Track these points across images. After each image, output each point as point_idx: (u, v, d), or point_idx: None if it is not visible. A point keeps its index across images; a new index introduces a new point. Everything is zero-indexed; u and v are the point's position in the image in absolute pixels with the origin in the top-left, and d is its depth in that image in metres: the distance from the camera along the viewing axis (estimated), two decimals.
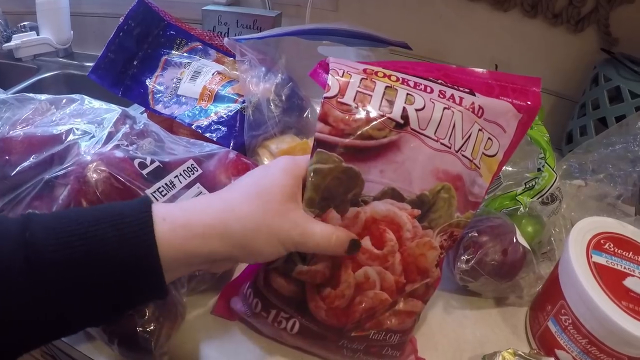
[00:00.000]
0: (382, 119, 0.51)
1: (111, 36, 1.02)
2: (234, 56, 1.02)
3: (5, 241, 0.42)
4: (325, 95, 0.52)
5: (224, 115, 0.90)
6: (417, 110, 0.52)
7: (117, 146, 0.65)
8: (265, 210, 0.49)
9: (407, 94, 0.53)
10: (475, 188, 0.57)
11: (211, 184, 0.69)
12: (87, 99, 0.75)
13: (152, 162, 0.65)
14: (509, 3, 1.10)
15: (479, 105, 0.55)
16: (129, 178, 0.61)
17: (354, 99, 0.51)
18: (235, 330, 0.68)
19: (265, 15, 1.17)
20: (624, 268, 0.64)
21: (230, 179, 0.72)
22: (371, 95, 0.52)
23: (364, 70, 0.54)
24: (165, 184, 0.64)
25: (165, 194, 0.63)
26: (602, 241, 0.68)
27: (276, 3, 1.24)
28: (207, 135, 0.88)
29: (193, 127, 0.89)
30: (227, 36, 1.16)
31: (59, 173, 0.61)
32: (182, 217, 0.47)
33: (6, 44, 1.47)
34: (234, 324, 0.69)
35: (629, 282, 0.62)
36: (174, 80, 0.98)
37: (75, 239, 0.43)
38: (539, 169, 0.82)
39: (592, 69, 1.08)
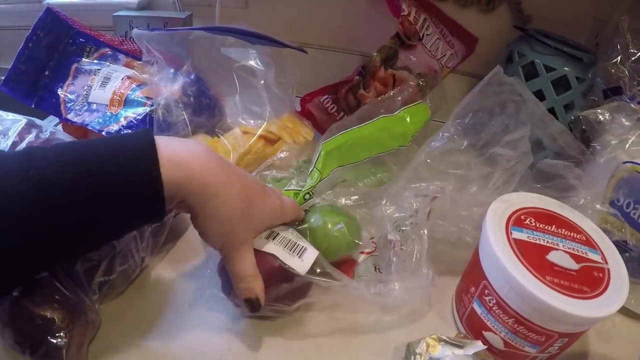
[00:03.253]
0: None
1: (20, 47, 1.01)
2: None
3: (9, 177, 0.46)
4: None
5: (133, 120, 0.90)
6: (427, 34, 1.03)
7: None
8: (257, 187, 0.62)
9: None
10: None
11: None
12: None
13: None
14: None
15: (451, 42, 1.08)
16: None
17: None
18: (155, 335, 0.68)
19: (176, 17, 1.17)
20: (547, 242, 0.63)
21: None
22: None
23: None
24: None
25: None
26: (522, 217, 0.66)
27: (187, 4, 1.24)
28: None
29: (103, 133, 0.89)
30: (131, 40, 1.15)
31: None
32: (184, 162, 0.53)
33: None
34: (151, 330, 0.68)
35: (552, 256, 0.61)
36: (85, 87, 0.98)
37: (80, 178, 0.47)
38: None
39: (506, 47, 1.10)
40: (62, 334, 0.59)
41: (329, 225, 0.70)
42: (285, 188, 0.77)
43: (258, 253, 0.62)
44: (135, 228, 0.62)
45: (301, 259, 0.63)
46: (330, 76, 1.09)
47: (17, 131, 0.70)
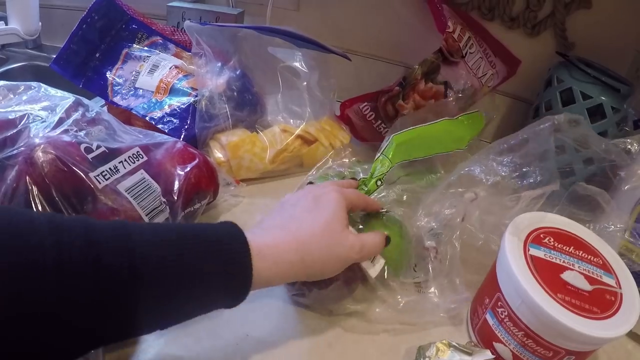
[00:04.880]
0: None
1: (74, 28, 1.04)
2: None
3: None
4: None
5: (177, 108, 0.93)
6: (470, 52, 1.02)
7: (65, 131, 0.67)
8: (331, 244, 0.60)
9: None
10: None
11: (156, 171, 0.72)
12: (43, 86, 0.77)
13: (97, 147, 0.67)
14: (467, 6, 1.13)
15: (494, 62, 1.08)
16: (74, 161, 0.63)
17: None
18: None
19: (228, 12, 1.19)
20: (563, 262, 0.63)
21: (175, 168, 0.75)
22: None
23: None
24: (109, 168, 0.67)
25: (109, 177, 0.66)
26: (542, 235, 0.67)
27: (239, 1, 1.27)
28: (159, 126, 0.91)
29: (147, 118, 0.92)
30: (182, 31, 1.18)
31: (9, 154, 0.63)
32: (270, 255, 0.55)
33: None
34: None
35: (567, 276, 0.61)
36: (133, 73, 1.01)
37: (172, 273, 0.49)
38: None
39: (547, 72, 1.09)
40: None
41: (401, 246, 0.73)
42: (358, 177, 0.81)
43: None
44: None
45: (373, 264, 0.67)
46: (371, 84, 1.10)
47: (65, 108, 0.71)
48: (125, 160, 0.69)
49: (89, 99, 0.82)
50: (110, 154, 0.68)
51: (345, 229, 0.62)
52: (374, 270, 0.67)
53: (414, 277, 0.75)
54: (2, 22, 1.53)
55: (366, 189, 0.76)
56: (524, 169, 0.79)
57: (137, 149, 0.72)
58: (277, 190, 0.93)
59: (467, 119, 0.94)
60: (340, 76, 1.04)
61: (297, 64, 0.96)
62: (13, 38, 1.52)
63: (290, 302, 0.72)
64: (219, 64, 0.93)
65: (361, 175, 0.82)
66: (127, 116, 0.96)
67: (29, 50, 1.66)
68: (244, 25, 0.94)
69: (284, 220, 0.62)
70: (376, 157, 0.81)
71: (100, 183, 0.65)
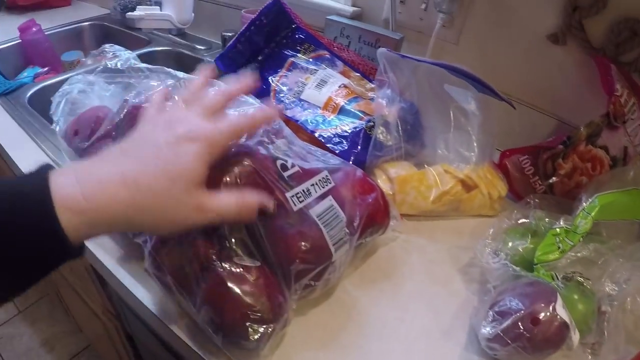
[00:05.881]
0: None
1: (242, 28, 1.05)
2: (359, 72, 1.04)
3: None
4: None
5: (348, 130, 0.91)
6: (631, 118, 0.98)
7: (260, 142, 0.65)
8: (173, 197, 0.52)
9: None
10: None
11: (340, 199, 0.70)
12: None
13: (292, 165, 0.66)
14: (631, 66, 1.06)
15: None
16: (271, 178, 0.62)
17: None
18: (329, 346, 0.69)
19: (389, 36, 1.18)
20: None
21: (356, 197, 0.73)
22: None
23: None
24: (303, 190, 0.65)
25: (302, 200, 0.64)
26: None
27: (399, 26, 1.25)
28: (329, 146, 0.89)
29: (316, 135, 0.91)
30: (348, 48, 1.17)
31: None
32: (87, 209, 0.48)
33: (130, 13, 1.52)
34: (332, 339, 0.69)
35: None
36: (298, 83, 1.00)
37: None
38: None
39: None
40: (263, 328, 0.60)
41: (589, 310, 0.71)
42: (552, 227, 0.79)
43: None
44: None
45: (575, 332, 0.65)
46: (521, 131, 1.07)
47: None
48: (316, 183, 0.67)
49: None
50: (304, 175, 0.67)
51: (196, 188, 0.54)
52: (575, 337, 0.64)
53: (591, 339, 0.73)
54: (157, 7, 1.57)
55: (572, 243, 0.74)
56: None
57: (326, 172, 0.69)
58: (433, 231, 0.90)
59: None
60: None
61: (470, 106, 0.94)
62: (165, 24, 1.57)
63: None
64: (397, 92, 0.92)
65: (562, 223, 0.78)
66: (294, 126, 0.95)
67: (172, 36, 1.70)
68: (430, 60, 0.92)
69: (128, 153, 0.54)
70: (576, 213, 0.79)
71: (295, 205, 0.63)
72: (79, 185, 0.49)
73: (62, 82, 0.92)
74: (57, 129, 0.87)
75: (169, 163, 0.52)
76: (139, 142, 0.55)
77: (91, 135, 0.82)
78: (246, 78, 0.64)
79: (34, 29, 1.69)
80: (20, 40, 1.73)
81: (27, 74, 1.65)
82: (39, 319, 2.37)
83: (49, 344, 2.27)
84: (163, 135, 0.54)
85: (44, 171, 0.49)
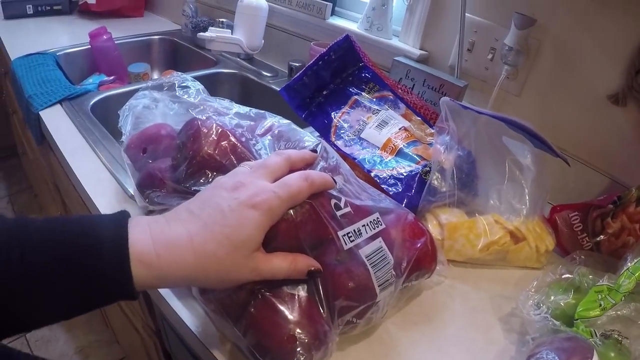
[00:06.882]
0: None
1: (311, 62, 1.09)
2: (420, 116, 1.06)
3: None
4: None
5: (404, 173, 0.93)
6: None
7: None
8: (234, 263, 0.57)
9: None
10: None
11: (389, 241, 0.71)
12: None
13: (345, 205, 0.68)
14: None
15: None
16: (325, 216, 0.65)
17: None
18: None
19: (454, 83, 1.19)
20: None
21: (405, 241, 0.75)
22: None
23: None
24: (354, 230, 0.67)
25: (353, 240, 0.66)
26: None
27: (464, 73, 1.27)
28: (384, 187, 0.91)
29: (372, 174, 0.93)
30: (411, 91, 1.20)
31: None
32: (158, 266, 0.54)
33: (201, 34, 1.56)
34: None
35: None
36: (360, 122, 1.03)
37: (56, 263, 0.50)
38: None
39: None
40: (309, 353, 0.62)
41: None
42: (596, 284, 0.80)
43: None
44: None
45: None
46: (574, 188, 1.09)
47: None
48: (367, 224, 0.69)
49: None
50: (355, 215, 0.68)
51: (253, 252, 0.59)
52: None
53: None
54: (229, 30, 1.61)
55: (613, 301, 0.74)
56: None
57: (377, 215, 0.71)
58: (478, 279, 0.91)
59: None
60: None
61: (526, 160, 0.95)
62: (235, 48, 1.61)
63: None
64: (456, 140, 0.94)
65: (605, 281, 0.79)
66: (350, 163, 0.98)
67: (239, 60, 1.74)
68: (491, 112, 0.94)
69: (194, 214, 0.59)
70: (620, 272, 0.79)
71: (346, 244, 0.65)
72: (152, 243, 0.54)
73: (126, 94, 0.95)
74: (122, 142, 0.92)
75: (232, 230, 0.57)
76: (204, 203, 0.60)
77: (153, 153, 0.87)
78: (312, 154, 0.71)
79: (104, 36, 1.76)
80: (89, 46, 1.79)
81: (92, 81, 1.72)
82: (76, 326, 2.41)
83: (84, 352, 2.32)
84: (227, 201, 0.59)
85: (122, 222, 0.55)
